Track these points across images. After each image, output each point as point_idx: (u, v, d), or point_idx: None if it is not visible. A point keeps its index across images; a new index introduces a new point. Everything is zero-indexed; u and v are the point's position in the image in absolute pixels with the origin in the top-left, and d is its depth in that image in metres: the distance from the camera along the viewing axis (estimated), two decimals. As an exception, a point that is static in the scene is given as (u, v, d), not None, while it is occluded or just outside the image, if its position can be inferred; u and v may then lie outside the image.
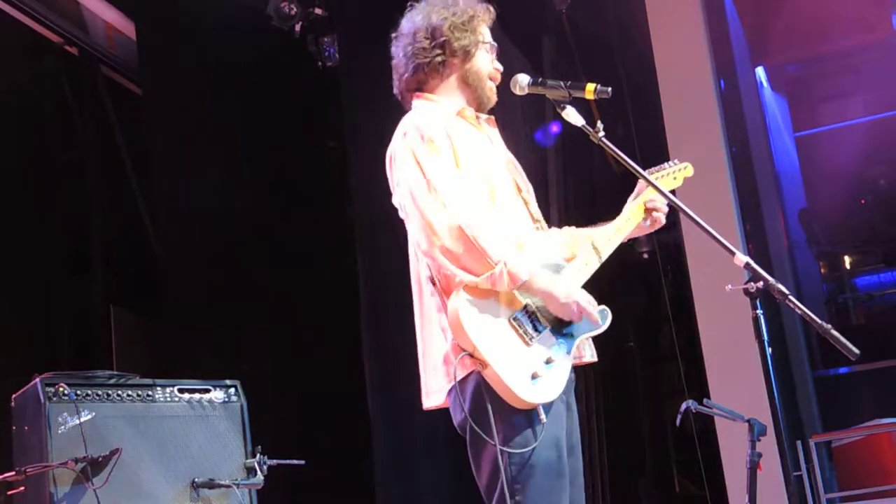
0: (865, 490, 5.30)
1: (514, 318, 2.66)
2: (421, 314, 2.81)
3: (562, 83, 2.85)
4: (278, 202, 6.33)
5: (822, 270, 8.27)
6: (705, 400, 3.96)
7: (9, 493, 3.65)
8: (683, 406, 3.87)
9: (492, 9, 2.94)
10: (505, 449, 2.61)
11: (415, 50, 2.86)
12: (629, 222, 2.99)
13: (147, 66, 6.49)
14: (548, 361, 2.67)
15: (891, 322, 7.83)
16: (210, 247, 6.16)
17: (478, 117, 2.92)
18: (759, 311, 2.56)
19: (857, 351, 2.43)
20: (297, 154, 6.39)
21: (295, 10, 6.02)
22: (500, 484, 2.61)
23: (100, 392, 3.80)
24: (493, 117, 2.97)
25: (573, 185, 6.88)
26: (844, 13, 7.05)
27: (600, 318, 2.84)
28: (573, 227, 3.04)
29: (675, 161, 3.16)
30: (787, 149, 8.25)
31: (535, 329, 2.68)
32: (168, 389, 3.97)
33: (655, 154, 5.82)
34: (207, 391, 4.06)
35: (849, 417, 5.94)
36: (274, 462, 4.05)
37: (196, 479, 3.87)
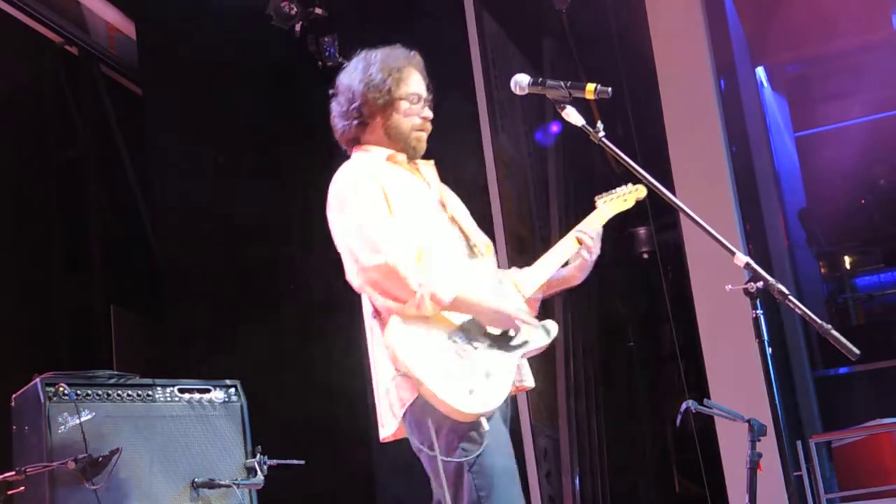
0: (865, 490, 5.31)
1: (450, 337, 2.80)
2: (371, 347, 2.96)
3: (562, 83, 2.86)
4: (278, 202, 6.33)
5: (822, 270, 8.27)
6: (705, 400, 3.96)
7: (9, 492, 3.65)
8: (683, 406, 3.87)
9: (418, 58, 3.12)
10: (445, 459, 2.73)
11: (341, 111, 3.10)
12: (560, 255, 3.07)
13: (147, 66, 6.49)
14: (486, 375, 2.77)
15: (891, 322, 7.83)
16: (210, 246, 6.16)
17: (412, 161, 3.09)
18: (759, 311, 2.56)
19: (857, 351, 2.43)
20: (298, 154, 6.39)
21: (295, 9, 6.02)
22: (466, 494, 2.73)
23: (100, 392, 3.80)
24: (430, 161, 3.15)
25: (573, 185, 6.88)
26: (844, 13, 7.05)
27: (542, 329, 2.94)
28: (515, 269, 3.14)
29: (629, 185, 3.25)
30: (787, 149, 8.25)
31: (472, 346, 2.81)
32: (168, 389, 3.97)
33: (655, 154, 5.83)
34: (207, 391, 4.07)
35: (849, 417, 5.94)
36: (274, 462, 4.05)
37: (196, 479, 3.88)
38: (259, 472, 3.99)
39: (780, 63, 8.15)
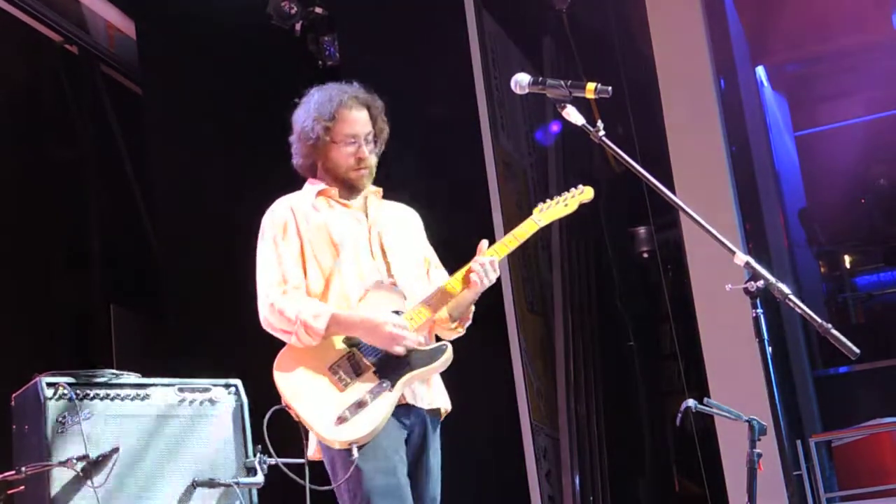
0: (865, 490, 5.31)
1: (332, 367, 2.97)
2: None
3: (562, 82, 2.86)
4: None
5: (822, 270, 8.27)
6: (705, 399, 3.96)
7: (9, 492, 3.65)
8: (683, 406, 3.86)
9: (358, 96, 3.25)
10: (315, 488, 2.99)
11: (294, 147, 3.35)
12: (455, 284, 3.11)
13: (147, 65, 6.49)
14: (360, 404, 2.90)
15: (891, 321, 7.83)
16: (209, 246, 6.16)
17: (354, 194, 3.25)
18: (759, 311, 2.56)
19: (857, 350, 2.43)
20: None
21: (295, 9, 6.03)
22: None
23: (100, 391, 3.80)
24: (378, 189, 3.30)
25: (573, 185, 6.88)
26: (844, 13, 7.06)
27: (429, 355, 3.02)
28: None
29: (578, 187, 3.32)
30: (788, 148, 8.24)
31: (355, 374, 2.96)
32: (168, 389, 3.97)
33: (655, 154, 5.83)
34: (208, 390, 4.06)
35: (849, 417, 5.94)
36: (274, 461, 4.04)
37: (196, 479, 3.87)
38: (259, 472, 3.99)
39: (780, 63, 8.14)
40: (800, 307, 2.50)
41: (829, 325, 2.44)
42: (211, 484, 3.88)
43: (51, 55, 6.24)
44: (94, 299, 6.22)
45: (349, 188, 3.24)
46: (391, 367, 2.97)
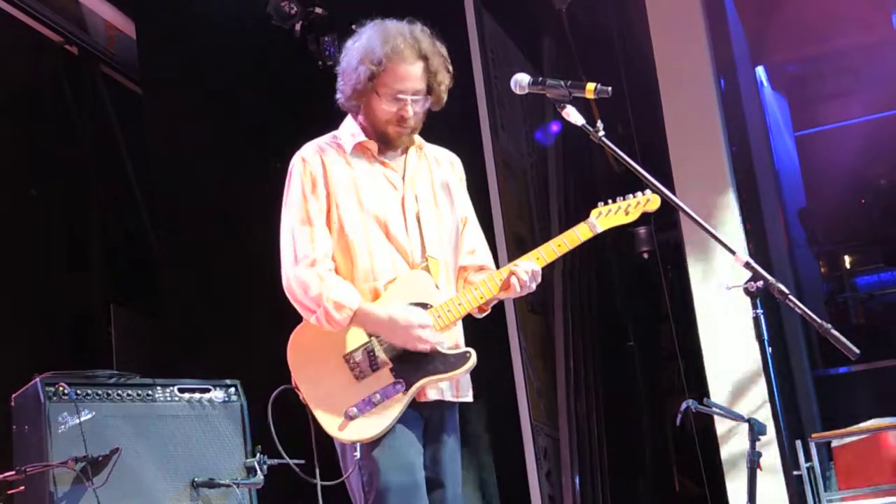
0: (865, 490, 5.30)
1: (349, 355, 2.84)
2: None
3: (562, 82, 2.86)
4: (278, 201, 6.32)
5: (822, 270, 8.27)
6: (705, 399, 3.97)
7: (9, 492, 3.65)
8: (683, 406, 3.87)
9: (417, 45, 2.97)
10: (324, 483, 2.90)
11: (340, 84, 3.04)
12: (491, 287, 2.97)
13: (147, 65, 6.49)
14: (371, 403, 2.80)
15: (891, 321, 7.83)
16: (210, 246, 6.16)
17: (395, 148, 3.03)
18: (759, 311, 2.56)
19: (857, 350, 2.43)
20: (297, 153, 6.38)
21: (295, 9, 6.02)
22: None
23: (100, 391, 3.80)
24: (421, 141, 3.09)
25: (573, 185, 6.88)
26: (844, 13, 7.05)
27: (450, 362, 2.89)
28: (485, 271, 3.10)
29: (641, 193, 3.12)
30: (788, 148, 8.24)
31: (371, 368, 2.83)
32: (168, 389, 3.97)
33: (655, 154, 5.83)
34: (207, 391, 4.07)
35: (849, 417, 5.93)
36: (274, 462, 4.05)
37: (196, 479, 3.88)
38: (259, 472, 3.99)
39: (780, 63, 8.14)
40: (799, 307, 2.50)
41: (829, 325, 2.44)
42: (211, 484, 3.88)
43: (51, 55, 6.24)
44: (94, 299, 6.22)
45: (388, 143, 3.01)
46: (409, 366, 2.84)
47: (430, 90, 3.01)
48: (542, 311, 6.50)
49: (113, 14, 6.64)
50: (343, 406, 2.79)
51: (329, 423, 2.79)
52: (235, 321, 6.11)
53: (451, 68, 3.03)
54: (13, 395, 3.84)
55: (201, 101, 6.30)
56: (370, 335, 2.87)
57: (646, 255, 7.31)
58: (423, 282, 2.92)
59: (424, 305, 2.88)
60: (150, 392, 3.93)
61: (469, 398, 3.05)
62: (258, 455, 4.02)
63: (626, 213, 3.12)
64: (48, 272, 5.98)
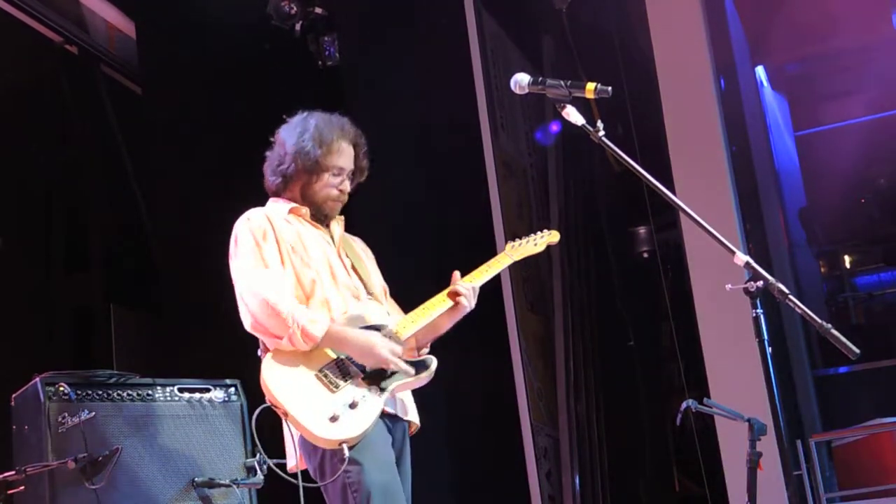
0: (865, 490, 5.30)
1: (321, 371, 2.99)
2: None
3: (562, 82, 2.86)
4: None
5: (822, 270, 8.26)
6: (705, 399, 3.96)
7: (9, 492, 3.65)
8: (683, 405, 3.87)
9: (353, 130, 3.35)
10: (305, 485, 3.03)
11: (271, 166, 3.36)
12: (433, 307, 3.21)
13: (147, 65, 6.49)
14: (351, 405, 2.94)
15: (891, 321, 7.82)
16: (209, 246, 6.14)
17: (323, 219, 3.34)
18: (759, 311, 2.56)
19: (857, 350, 2.43)
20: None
21: (295, 9, 6.02)
22: None
23: (100, 391, 3.80)
24: (341, 218, 3.41)
25: (573, 185, 6.88)
26: (844, 13, 7.05)
27: (415, 366, 3.09)
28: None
29: (543, 231, 3.66)
30: (788, 148, 8.24)
31: (343, 379, 2.99)
32: (168, 389, 3.98)
33: (655, 154, 5.83)
34: (207, 390, 4.07)
35: (849, 417, 5.94)
36: (274, 461, 4.05)
37: (196, 479, 3.88)
38: (259, 472, 3.99)
39: (780, 63, 8.14)
40: (799, 307, 2.50)
41: (829, 325, 2.44)
42: (211, 484, 3.88)
43: (51, 55, 6.24)
44: (94, 299, 6.22)
45: (319, 214, 3.33)
46: (378, 374, 3.03)
47: (353, 173, 3.37)
48: (542, 311, 6.50)
49: (113, 14, 6.65)
50: (326, 411, 2.91)
51: (313, 428, 2.90)
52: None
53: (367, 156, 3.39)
54: (13, 395, 3.84)
55: (201, 101, 6.30)
56: (340, 354, 3.04)
57: (646, 255, 7.31)
58: (373, 309, 3.19)
59: (378, 328, 3.10)
60: (150, 392, 3.93)
61: (416, 421, 3.25)
62: (258, 455, 4.02)
63: (535, 245, 3.60)
64: (48, 272, 5.98)
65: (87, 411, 3.70)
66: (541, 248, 3.61)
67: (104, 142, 6.42)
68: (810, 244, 7.93)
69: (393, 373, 3.04)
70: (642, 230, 7.25)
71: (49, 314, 5.91)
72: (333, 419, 2.89)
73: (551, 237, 3.65)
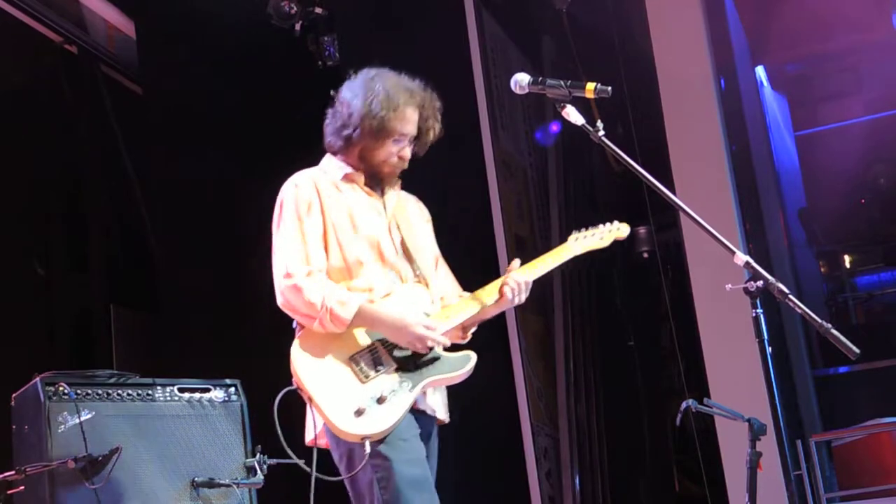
0: (865, 490, 5.30)
1: (352, 358, 2.90)
2: None
3: (562, 82, 2.86)
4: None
5: (822, 270, 8.27)
6: (705, 399, 3.96)
7: (9, 492, 3.65)
8: (683, 405, 3.87)
9: (422, 93, 3.21)
10: (323, 477, 2.87)
11: (334, 126, 3.20)
12: (476, 302, 3.11)
13: (147, 65, 6.49)
14: (379, 400, 2.84)
15: (891, 321, 7.83)
16: (210, 246, 6.16)
17: (378, 185, 3.21)
18: (759, 311, 2.56)
19: (857, 350, 2.43)
20: (297, 153, 6.37)
21: (295, 9, 6.02)
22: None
23: (100, 391, 3.80)
24: (397, 181, 3.27)
25: (573, 185, 6.89)
26: (844, 13, 7.05)
27: (452, 362, 2.98)
28: (466, 294, 3.21)
29: (613, 223, 3.37)
30: (788, 148, 8.24)
31: (375, 368, 2.89)
32: (168, 388, 3.97)
33: (655, 154, 5.83)
34: (207, 390, 4.06)
35: (849, 417, 5.94)
36: (274, 461, 4.05)
37: (196, 479, 3.87)
38: (259, 472, 3.99)
39: (780, 63, 8.14)
40: (799, 307, 2.50)
41: (829, 325, 2.44)
42: (211, 484, 3.88)
43: (51, 55, 6.24)
44: (94, 299, 6.22)
45: (375, 179, 3.20)
46: (413, 366, 2.93)
47: (418, 136, 3.22)
48: (542, 311, 6.50)
49: (113, 14, 6.64)
50: (351, 404, 2.81)
51: (337, 420, 2.81)
52: (235, 321, 6.11)
53: (439, 118, 3.25)
54: (13, 395, 3.84)
55: (201, 101, 6.30)
56: (374, 337, 2.94)
57: (646, 255, 7.31)
58: (418, 295, 3.07)
59: (424, 314, 2.99)
60: (150, 392, 3.93)
61: (446, 419, 3.16)
62: (258, 455, 4.02)
63: (601, 239, 3.34)
64: (48, 272, 5.98)
65: (87, 411, 3.70)
66: (606, 242, 3.36)
67: (104, 142, 6.42)
68: (810, 244, 7.93)
69: (427, 364, 2.93)
70: (642, 230, 7.25)
71: (49, 314, 5.91)
72: (359, 413, 2.80)
73: (619, 232, 3.37)
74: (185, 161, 6.22)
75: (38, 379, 3.71)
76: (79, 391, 3.73)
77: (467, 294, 3.17)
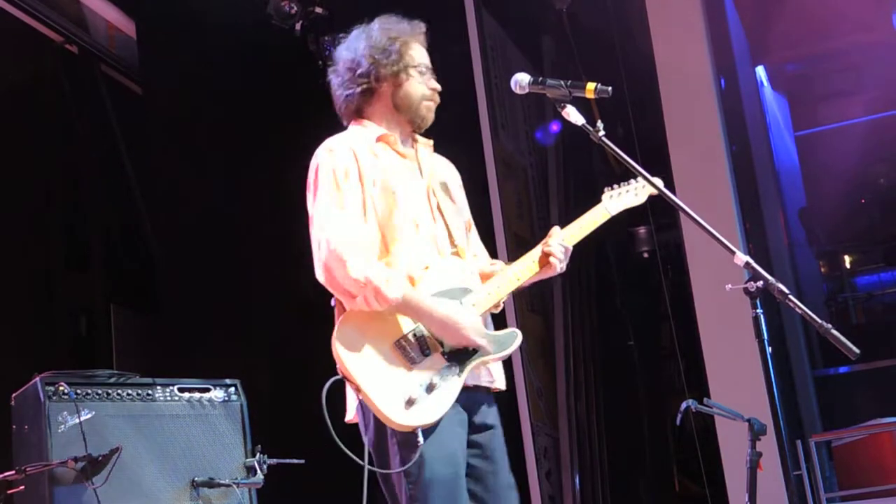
0: (865, 490, 5.31)
1: (398, 343, 2.73)
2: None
3: (562, 82, 2.85)
4: (278, 201, 6.33)
5: (822, 270, 8.27)
6: (705, 399, 3.96)
7: (9, 491, 3.65)
8: (683, 405, 3.87)
9: (423, 28, 3.03)
10: (378, 470, 2.72)
11: (345, 80, 2.98)
12: (529, 268, 2.96)
13: (147, 64, 6.49)
14: (429, 387, 2.70)
15: (891, 321, 7.83)
16: (210, 246, 6.16)
17: (411, 142, 3.02)
18: (759, 311, 2.55)
19: (857, 350, 2.43)
20: (297, 153, 6.38)
21: (295, 8, 6.02)
22: (403, 501, 2.72)
23: (100, 391, 3.80)
24: (430, 141, 3.07)
25: (573, 185, 6.89)
26: (844, 13, 7.05)
27: (502, 341, 2.83)
28: (499, 263, 3.08)
29: (638, 179, 3.13)
30: (788, 148, 8.25)
31: (423, 353, 2.74)
32: (168, 388, 3.97)
33: (655, 154, 5.83)
34: (207, 390, 4.06)
35: (849, 417, 5.94)
36: (274, 461, 4.05)
37: (196, 478, 3.87)
38: (259, 472, 3.99)
39: (780, 62, 8.15)
40: (799, 307, 2.50)
41: (829, 325, 2.44)
42: (211, 484, 3.88)
43: (51, 55, 6.24)
44: (94, 299, 6.22)
45: (417, 123, 2.99)
46: (460, 348, 2.77)
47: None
48: (542, 311, 6.50)
49: (113, 14, 6.65)
50: (402, 392, 2.68)
51: (389, 410, 2.66)
52: (235, 321, 6.11)
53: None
54: (13, 395, 3.84)
55: (201, 101, 6.30)
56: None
57: (646, 255, 7.32)
58: (458, 268, 2.89)
59: (464, 291, 2.84)
60: (150, 392, 3.93)
61: (502, 386, 2.96)
62: (258, 454, 4.02)
63: (636, 195, 3.14)
64: (48, 272, 5.98)
65: (87, 411, 3.70)
66: (642, 199, 3.12)
67: (104, 142, 6.42)
68: (810, 244, 7.94)
69: (476, 350, 2.78)
70: (642, 230, 7.25)
71: (49, 314, 5.91)
72: (410, 402, 2.66)
73: (653, 188, 2.99)
74: (185, 161, 6.23)
75: (38, 379, 3.71)
76: (79, 391, 3.73)
77: (503, 265, 3.02)
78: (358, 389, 2.68)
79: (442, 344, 2.76)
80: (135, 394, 3.88)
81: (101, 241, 6.32)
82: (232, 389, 4.13)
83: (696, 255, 5.68)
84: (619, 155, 2.76)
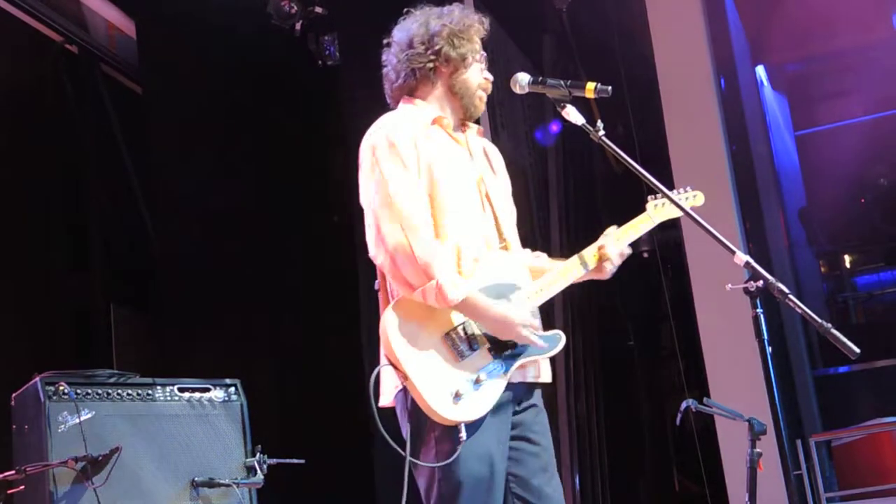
0: (865, 489, 5.31)
1: (448, 335, 2.70)
2: (381, 312, 2.83)
3: (562, 82, 2.85)
4: (278, 201, 6.33)
5: (822, 269, 8.28)
6: (705, 399, 3.96)
7: (9, 491, 3.65)
8: (683, 405, 3.87)
9: (486, 21, 3.05)
10: (417, 462, 2.66)
11: (409, 56, 2.92)
12: (579, 268, 2.99)
13: (147, 64, 6.49)
14: (476, 381, 2.68)
15: (891, 321, 7.83)
16: (210, 245, 6.16)
17: (461, 127, 2.98)
18: (759, 310, 2.55)
19: (857, 350, 2.43)
20: (297, 153, 6.39)
21: (295, 8, 6.02)
22: (434, 497, 2.68)
23: (100, 391, 3.80)
24: (480, 128, 3.05)
25: (573, 185, 6.89)
26: (844, 13, 7.05)
27: (548, 342, 2.82)
28: (543, 256, 3.07)
29: (687, 189, 3.18)
30: (788, 148, 8.25)
31: (470, 347, 2.71)
32: (168, 388, 3.97)
33: (655, 154, 5.83)
34: (207, 390, 4.06)
35: (849, 417, 5.94)
36: (274, 461, 4.05)
37: (196, 478, 3.87)
38: (259, 472, 3.99)
39: (780, 62, 8.15)
40: (799, 307, 2.50)
41: (829, 325, 2.44)
42: (211, 484, 3.88)
43: (51, 55, 6.24)
44: (94, 299, 6.22)
45: (470, 111, 2.96)
46: (506, 345, 2.74)
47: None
48: (542, 311, 6.50)
49: (113, 14, 6.65)
50: (449, 386, 2.64)
51: (436, 403, 2.62)
52: (235, 321, 6.11)
53: None
54: (13, 395, 3.84)
55: (201, 101, 6.30)
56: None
57: (646, 255, 7.31)
58: (508, 262, 2.87)
59: (514, 287, 2.82)
60: (150, 392, 3.93)
61: (549, 378, 2.93)
62: (258, 454, 4.02)
63: (682, 202, 3.09)
64: (48, 272, 5.98)
65: (87, 411, 3.70)
66: (686, 208, 3.00)
67: (104, 142, 6.42)
68: (810, 244, 7.94)
69: (522, 347, 2.75)
70: (642, 230, 7.24)
71: (49, 314, 5.91)
72: (457, 396, 2.62)
73: (696, 200, 3.14)
74: (185, 161, 6.23)
75: (38, 379, 3.71)
76: (79, 391, 3.73)
77: (546, 258, 3.02)
78: (405, 378, 2.64)
79: (490, 339, 2.73)
80: (135, 394, 3.88)
81: (101, 241, 6.31)
82: (232, 389, 4.13)
83: (696, 255, 5.69)
84: (619, 155, 2.77)
